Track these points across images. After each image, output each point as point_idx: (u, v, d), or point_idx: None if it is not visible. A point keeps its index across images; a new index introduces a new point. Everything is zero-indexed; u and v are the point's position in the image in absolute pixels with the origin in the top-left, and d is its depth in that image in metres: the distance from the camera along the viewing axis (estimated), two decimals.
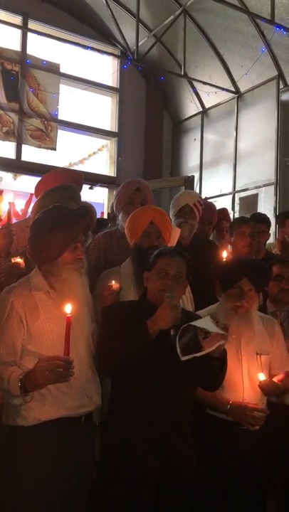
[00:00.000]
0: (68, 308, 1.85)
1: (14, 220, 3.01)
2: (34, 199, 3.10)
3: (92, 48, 8.08)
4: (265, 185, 7.46)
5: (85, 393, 2.07)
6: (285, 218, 4.40)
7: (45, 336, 2.00)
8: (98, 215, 6.19)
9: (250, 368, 2.42)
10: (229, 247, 3.63)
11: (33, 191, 3.10)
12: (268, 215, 4.24)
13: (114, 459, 2.09)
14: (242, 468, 2.33)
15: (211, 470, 2.28)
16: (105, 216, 6.57)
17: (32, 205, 2.99)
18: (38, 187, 2.96)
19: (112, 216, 4.34)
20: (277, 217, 5.51)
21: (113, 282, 2.40)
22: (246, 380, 2.40)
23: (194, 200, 3.38)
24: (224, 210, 4.53)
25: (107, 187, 8.83)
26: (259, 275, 2.49)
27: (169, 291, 2.07)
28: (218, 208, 4.33)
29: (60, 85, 8.28)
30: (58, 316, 1.98)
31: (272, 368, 2.54)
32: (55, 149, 8.17)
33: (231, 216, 5.63)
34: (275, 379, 2.47)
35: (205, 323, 2.04)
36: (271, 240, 5.66)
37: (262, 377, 2.36)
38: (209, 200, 5.60)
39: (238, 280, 2.38)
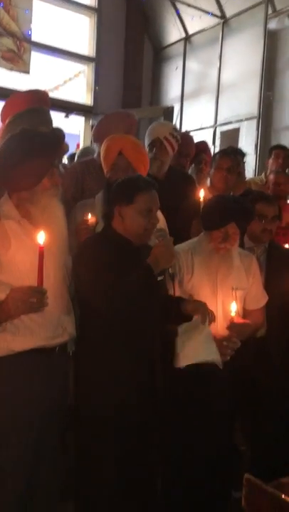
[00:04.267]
0: (41, 237, 1.77)
1: None
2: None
3: None
4: (247, 119, 7.24)
5: (60, 324, 2.03)
6: None
7: (17, 266, 1.93)
8: (74, 147, 5.96)
9: (225, 302, 2.43)
10: (208, 181, 3.53)
11: None
12: (249, 150, 4.12)
13: (100, 393, 2.08)
14: (213, 399, 2.38)
15: (183, 402, 2.33)
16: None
17: None
18: (2, 113, 2.75)
19: None
20: None
21: (89, 216, 2.32)
22: (220, 314, 2.41)
23: (166, 133, 3.11)
24: (203, 143, 4.36)
25: (84, 115, 8.45)
26: (246, 220, 2.46)
27: (159, 231, 2.05)
28: (197, 141, 4.17)
29: (34, 1, 7.62)
30: (31, 245, 1.89)
31: (247, 303, 2.56)
32: (28, 72, 7.65)
33: (212, 150, 5.47)
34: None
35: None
36: (250, 175, 5.58)
37: (234, 307, 2.37)
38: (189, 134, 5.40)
39: (225, 224, 2.35)
